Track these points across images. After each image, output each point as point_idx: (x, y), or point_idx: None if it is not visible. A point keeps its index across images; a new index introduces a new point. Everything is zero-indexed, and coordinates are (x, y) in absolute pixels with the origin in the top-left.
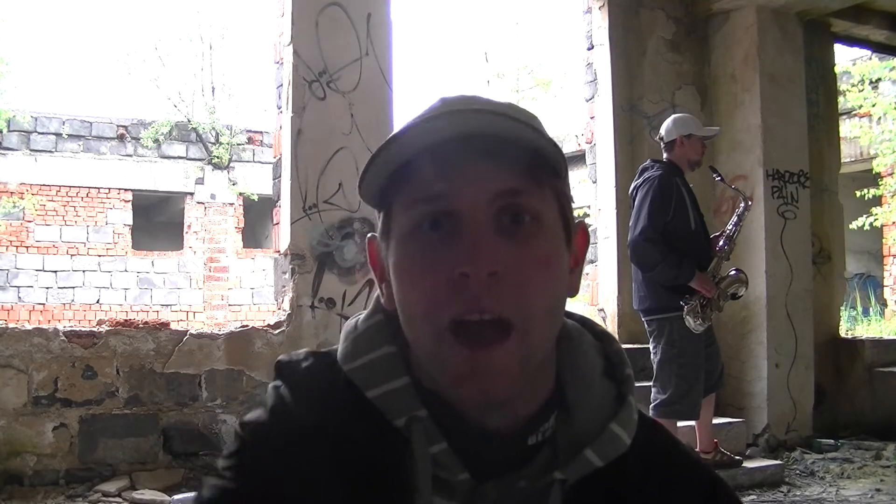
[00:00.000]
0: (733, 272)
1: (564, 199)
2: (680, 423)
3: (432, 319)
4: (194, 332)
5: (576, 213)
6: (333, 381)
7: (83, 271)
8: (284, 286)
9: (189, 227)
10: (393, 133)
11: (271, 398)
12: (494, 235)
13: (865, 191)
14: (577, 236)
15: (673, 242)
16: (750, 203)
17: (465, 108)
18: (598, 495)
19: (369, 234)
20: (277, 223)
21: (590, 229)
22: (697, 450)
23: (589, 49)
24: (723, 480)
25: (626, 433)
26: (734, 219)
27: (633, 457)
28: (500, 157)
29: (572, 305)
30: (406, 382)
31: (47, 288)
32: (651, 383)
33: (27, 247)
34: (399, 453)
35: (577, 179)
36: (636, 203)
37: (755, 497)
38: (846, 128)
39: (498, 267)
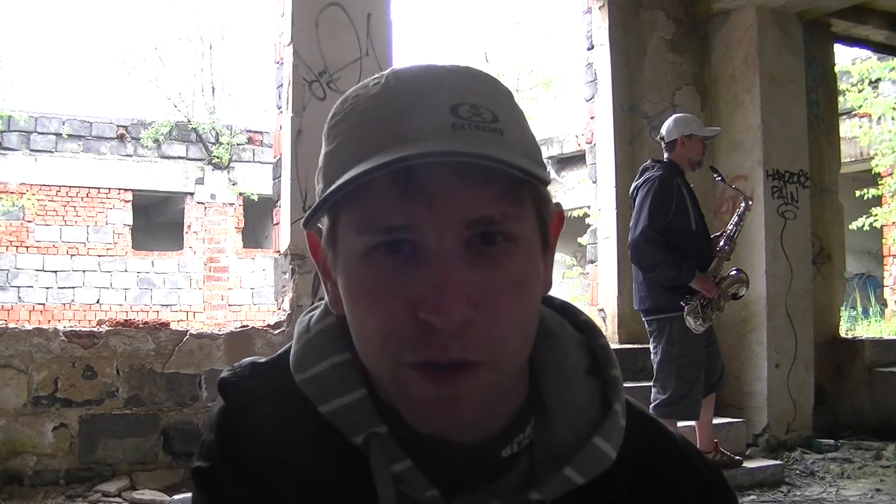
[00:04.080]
0: (734, 272)
1: (543, 202)
2: (680, 423)
3: (391, 359)
4: (194, 332)
5: (576, 214)
6: (287, 394)
7: (83, 271)
8: (284, 286)
9: (189, 227)
10: (346, 175)
11: (216, 431)
12: (464, 267)
13: (865, 191)
14: (552, 226)
15: (673, 242)
16: (750, 203)
17: (432, 135)
18: None
19: (306, 223)
20: (277, 223)
21: (590, 229)
22: None
23: (589, 49)
24: (720, 480)
25: (612, 447)
26: (735, 218)
27: (624, 464)
28: (471, 177)
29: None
30: (362, 395)
31: (47, 288)
32: (651, 383)
33: (27, 247)
34: (361, 473)
35: (577, 179)
36: (637, 203)
37: (755, 497)
38: (846, 128)
39: (470, 312)
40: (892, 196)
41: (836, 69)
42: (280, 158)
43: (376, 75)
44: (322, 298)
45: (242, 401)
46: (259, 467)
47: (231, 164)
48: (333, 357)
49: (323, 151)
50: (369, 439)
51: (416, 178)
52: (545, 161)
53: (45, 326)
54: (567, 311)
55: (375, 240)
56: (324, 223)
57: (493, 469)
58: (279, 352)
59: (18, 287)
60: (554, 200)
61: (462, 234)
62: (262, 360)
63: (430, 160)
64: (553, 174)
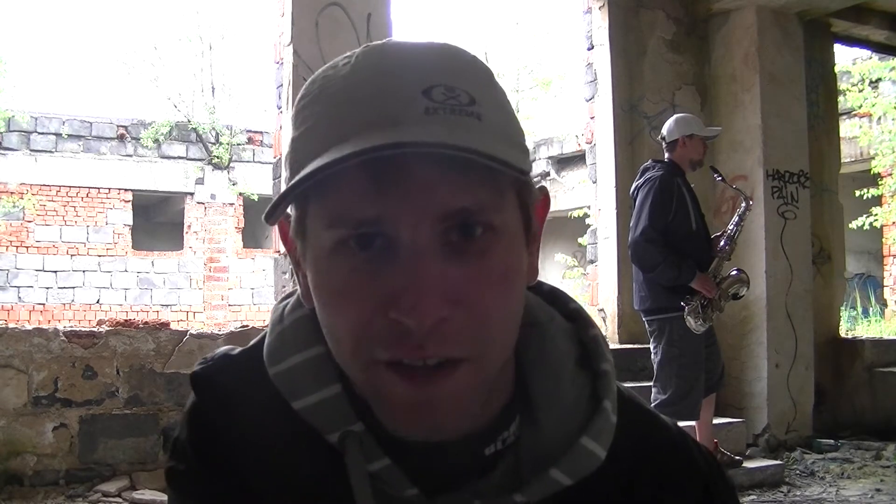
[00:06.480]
0: (734, 272)
1: (526, 190)
2: (680, 424)
3: (363, 359)
4: (194, 333)
5: (576, 214)
6: (261, 385)
7: (83, 271)
8: (284, 286)
9: (189, 227)
10: (316, 163)
11: (187, 429)
12: (441, 263)
13: (865, 191)
14: (536, 212)
15: (674, 243)
16: (751, 203)
17: (407, 122)
18: None
19: (268, 216)
20: None
21: (590, 229)
22: None
23: (589, 49)
24: (718, 473)
25: (601, 446)
26: (735, 218)
27: (618, 462)
28: (450, 164)
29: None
30: (337, 391)
31: (47, 288)
32: (651, 383)
33: (27, 247)
34: (339, 469)
35: (577, 179)
36: (637, 203)
37: (755, 497)
38: (846, 128)
39: (446, 311)
40: (892, 196)
41: (837, 69)
42: (280, 158)
43: (347, 53)
44: None
45: (214, 396)
46: (233, 466)
47: (231, 164)
48: (306, 351)
49: (290, 136)
50: (345, 438)
51: (387, 167)
52: (546, 160)
53: (45, 326)
54: (557, 299)
55: (345, 234)
56: (291, 213)
57: (476, 467)
58: (253, 342)
59: (18, 287)
60: (538, 185)
61: (438, 227)
62: (235, 351)
63: (400, 151)
64: (553, 174)
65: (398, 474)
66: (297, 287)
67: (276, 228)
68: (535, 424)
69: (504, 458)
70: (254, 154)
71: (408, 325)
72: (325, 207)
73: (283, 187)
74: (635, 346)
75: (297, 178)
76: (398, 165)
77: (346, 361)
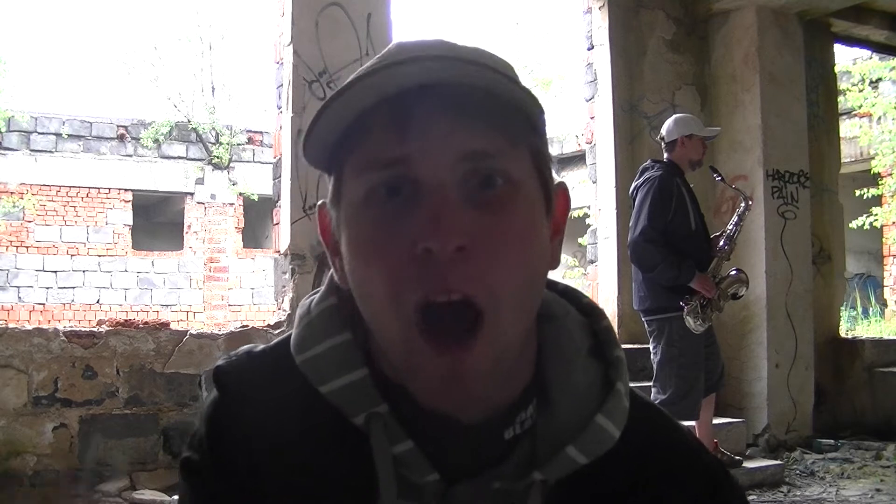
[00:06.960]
0: (734, 272)
1: (542, 159)
2: None
3: (395, 302)
4: (194, 333)
5: (576, 214)
6: (283, 380)
7: (83, 271)
8: (284, 286)
9: (189, 227)
10: (345, 83)
11: (207, 423)
12: (461, 203)
13: (865, 191)
14: (557, 200)
15: (673, 243)
16: (750, 203)
17: (426, 55)
18: (584, 494)
19: (319, 202)
20: (277, 223)
21: (590, 229)
22: None
23: (589, 49)
24: (727, 476)
25: (614, 425)
26: (735, 218)
27: (628, 451)
28: (467, 110)
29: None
30: (363, 375)
31: (47, 288)
32: (651, 383)
33: (27, 247)
34: (360, 457)
35: (577, 179)
36: (636, 203)
37: (755, 497)
38: (846, 128)
39: (465, 240)
40: (892, 196)
41: (837, 69)
42: (280, 158)
43: None
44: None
45: (237, 390)
46: (251, 460)
47: (231, 164)
48: (335, 337)
49: None
50: (370, 419)
51: (410, 111)
52: None
53: (45, 326)
54: (570, 295)
55: (375, 177)
56: (328, 199)
57: (496, 451)
58: (277, 339)
59: (18, 287)
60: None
61: (459, 169)
62: (259, 347)
63: (414, 57)
64: (553, 174)
65: (420, 457)
66: (334, 274)
67: (276, 229)
68: (549, 408)
69: (521, 442)
70: (254, 154)
71: (431, 248)
72: (357, 159)
73: (288, 185)
74: (635, 346)
75: (325, 100)
76: (420, 110)
77: (381, 317)
